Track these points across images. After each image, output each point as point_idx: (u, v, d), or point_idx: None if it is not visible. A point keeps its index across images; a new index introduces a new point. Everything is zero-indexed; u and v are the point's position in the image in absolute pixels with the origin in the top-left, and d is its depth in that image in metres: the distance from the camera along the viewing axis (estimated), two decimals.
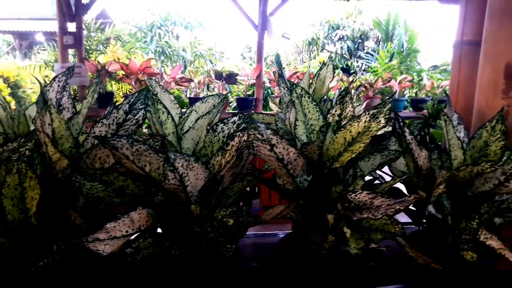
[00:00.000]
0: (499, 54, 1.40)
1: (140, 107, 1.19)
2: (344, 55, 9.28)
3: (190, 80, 5.77)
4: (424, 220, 1.39)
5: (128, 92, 5.69)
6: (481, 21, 1.53)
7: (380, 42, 7.91)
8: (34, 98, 6.15)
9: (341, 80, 6.17)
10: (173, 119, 1.20)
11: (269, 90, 6.43)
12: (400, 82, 5.92)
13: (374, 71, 7.13)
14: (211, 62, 7.02)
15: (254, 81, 5.75)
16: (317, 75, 1.96)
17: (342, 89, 1.84)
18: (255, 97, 5.82)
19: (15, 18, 9.75)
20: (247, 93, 6.28)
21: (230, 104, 6.47)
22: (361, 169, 1.28)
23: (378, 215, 0.95)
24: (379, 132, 1.70)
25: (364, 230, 1.12)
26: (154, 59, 7.28)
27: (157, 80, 5.73)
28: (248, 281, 1.18)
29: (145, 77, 5.57)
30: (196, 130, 1.24)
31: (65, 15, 5.31)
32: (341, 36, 9.32)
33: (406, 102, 6.09)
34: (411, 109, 6.12)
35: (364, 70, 7.93)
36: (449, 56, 5.92)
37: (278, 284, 1.18)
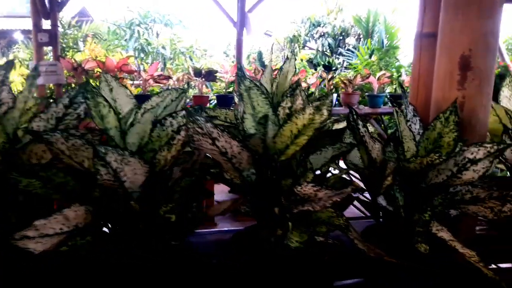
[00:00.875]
0: (454, 45, 1.39)
1: (82, 101, 1.15)
2: (326, 52, 9.29)
3: (169, 78, 5.70)
4: (381, 213, 1.37)
5: None
6: (439, 12, 1.52)
7: (361, 39, 7.93)
8: None
9: (321, 77, 6.17)
10: (115, 113, 1.17)
11: None
12: (379, 78, 5.93)
13: (354, 67, 7.15)
14: (191, 60, 6.97)
15: (234, 78, 5.72)
16: (280, 70, 1.94)
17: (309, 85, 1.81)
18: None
19: None
20: (228, 90, 6.25)
21: (211, 102, 6.42)
22: (312, 162, 1.26)
23: (317, 206, 0.93)
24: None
25: (310, 223, 1.09)
26: (133, 57, 7.20)
27: (135, 77, 5.67)
28: (194, 277, 1.15)
29: (123, 75, 5.50)
30: (142, 125, 1.20)
31: (40, 12, 5.21)
32: (322, 33, 9.33)
33: (385, 98, 6.10)
34: (391, 104, 6.14)
35: (345, 67, 7.95)
36: None
37: (225, 280, 1.15)
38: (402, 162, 1.22)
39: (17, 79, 6.24)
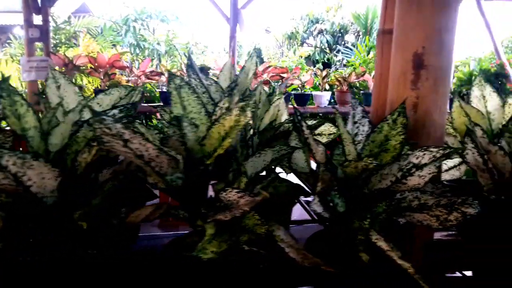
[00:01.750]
0: (407, 42, 1.31)
1: None
2: (325, 49, 9.17)
3: (161, 74, 5.66)
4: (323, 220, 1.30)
5: (99, 86, 5.57)
6: None
7: (360, 36, 7.82)
8: None
9: (315, 74, 6.08)
10: (34, 113, 1.11)
11: None
12: (373, 77, 5.83)
13: (352, 65, 7.05)
14: (186, 56, 6.85)
15: None
16: (243, 68, 1.88)
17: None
18: None
19: None
20: None
21: None
22: (252, 165, 1.20)
23: (228, 216, 0.86)
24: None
25: (235, 232, 1.03)
26: (129, 53, 7.15)
27: (126, 73, 5.63)
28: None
29: (115, 71, 5.45)
30: (67, 125, 1.14)
31: (31, 7, 5.18)
32: (320, 30, 9.20)
33: None
34: None
35: (344, 65, 7.84)
36: None
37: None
38: (339, 167, 1.15)
39: (14, 75, 6.24)
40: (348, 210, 1.18)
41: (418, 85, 1.30)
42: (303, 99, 5.68)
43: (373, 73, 5.97)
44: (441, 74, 1.30)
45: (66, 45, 5.70)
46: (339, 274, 1.13)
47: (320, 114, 6.05)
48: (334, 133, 1.74)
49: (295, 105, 5.67)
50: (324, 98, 5.76)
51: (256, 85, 1.75)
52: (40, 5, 5.25)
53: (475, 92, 1.78)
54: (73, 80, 5.65)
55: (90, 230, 1.01)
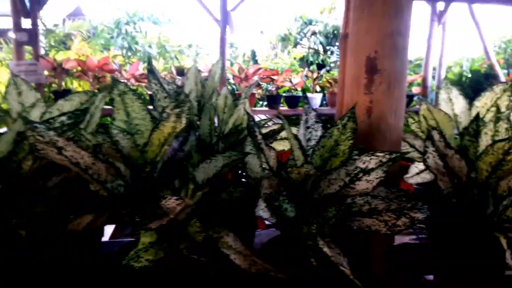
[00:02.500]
0: (360, 46, 1.31)
1: None
2: (318, 51, 9.14)
3: None
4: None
5: (89, 89, 5.57)
6: None
7: None
8: None
9: (306, 76, 6.07)
10: None
11: (234, 86, 6.32)
12: None
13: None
14: (177, 59, 6.90)
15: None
16: (210, 72, 1.88)
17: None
18: None
19: None
20: None
21: None
22: (203, 171, 1.19)
23: (157, 224, 0.85)
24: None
25: (175, 239, 1.02)
26: (121, 55, 7.16)
27: (116, 76, 5.62)
28: None
29: (104, 74, 5.45)
30: (13, 132, 1.13)
31: (19, 11, 5.18)
32: (313, 32, 9.18)
33: None
34: None
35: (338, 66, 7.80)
36: (423, 51, 5.74)
37: None
38: (284, 173, 1.15)
39: (4, 79, 6.24)
40: (298, 216, 1.18)
41: (371, 89, 1.30)
42: (294, 101, 5.68)
43: None
44: (395, 77, 1.29)
45: (56, 49, 5.70)
46: (289, 280, 1.13)
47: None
48: None
49: (286, 107, 5.67)
50: (315, 100, 5.76)
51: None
52: (29, 9, 5.25)
53: (442, 95, 1.78)
54: (63, 84, 5.65)
55: (32, 237, 1.00)
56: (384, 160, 1.13)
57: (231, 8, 5.55)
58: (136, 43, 7.02)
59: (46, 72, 5.29)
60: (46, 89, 5.68)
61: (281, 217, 1.14)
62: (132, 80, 5.55)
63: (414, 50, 7.73)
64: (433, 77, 6.03)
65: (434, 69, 5.94)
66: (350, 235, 1.26)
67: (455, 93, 1.75)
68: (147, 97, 5.89)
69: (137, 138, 1.11)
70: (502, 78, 5.41)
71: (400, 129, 1.36)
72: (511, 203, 1.34)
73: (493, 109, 1.73)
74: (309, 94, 5.80)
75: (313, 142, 1.30)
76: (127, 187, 1.07)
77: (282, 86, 5.72)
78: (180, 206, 0.95)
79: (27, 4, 5.24)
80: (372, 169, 1.13)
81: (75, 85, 6.06)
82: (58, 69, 5.23)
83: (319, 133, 1.30)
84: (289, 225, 1.18)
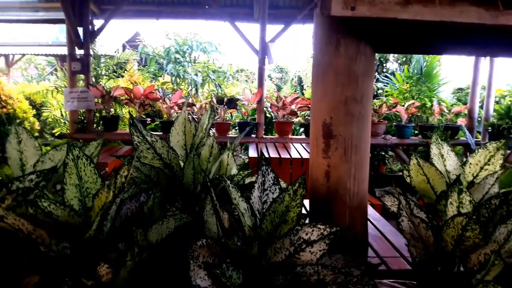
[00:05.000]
0: (318, 112, 1.30)
1: None
2: None
3: (192, 105, 5.86)
4: None
5: (135, 116, 5.85)
6: None
7: (400, 65, 7.62)
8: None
9: None
10: None
11: (272, 114, 6.37)
12: (407, 108, 5.66)
13: (389, 94, 6.88)
14: (219, 86, 7.08)
15: (255, 106, 5.73)
16: (199, 122, 1.93)
17: None
18: (256, 121, 5.79)
19: (56, 44, 10.38)
20: (252, 117, 6.27)
21: (236, 128, 6.46)
22: (155, 232, 1.24)
23: None
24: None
25: None
26: (170, 83, 7.47)
27: (160, 105, 5.86)
28: None
29: (149, 102, 5.70)
30: None
31: (74, 42, 5.59)
32: None
33: (413, 129, 5.80)
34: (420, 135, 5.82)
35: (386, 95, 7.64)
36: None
37: None
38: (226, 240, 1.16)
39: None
40: (245, 283, 1.18)
41: (328, 153, 1.29)
42: None
43: (406, 104, 5.80)
44: (351, 143, 1.27)
45: (107, 77, 6.06)
46: None
47: None
48: (284, 186, 1.73)
49: None
50: None
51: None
52: (82, 40, 5.66)
53: (434, 150, 1.71)
54: (112, 110, 5.98)
55: None
56: (325, 233, 1.11)
57: (269, 39, 5.64)
58: (185, 71, 7.30)
59: (95, 99, 5.65)
60: (97, 114, 6.03)
61: (225, 286, 1.15)
62: (176, 107, 5.78)
63: (465, 78, 7.41)
64: (481, 107, 5.74)
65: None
66: None
67: (446, 149, 1.67)
68: None
69: (87, 201, 1.17)
70: None
71: (362, 194, 1.33)
72: (483, 279, 1.26)
73: (486, 167, 1.65)
74: None
75: (268, 205, 1.30)
76: (73, 249, 1.13)
77: None
78: (108, 275, 0.99)
79: (81, 36, 5.65)
80: (315, 241, 1.12)
81: (124, 111, 6.39)
82: (107, 97, 5.56)
83: (276, 195, 1.30)
84: None
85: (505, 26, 1.12)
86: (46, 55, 11.08)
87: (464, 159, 1.68)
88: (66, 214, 1.06)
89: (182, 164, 1.70)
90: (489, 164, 1.63)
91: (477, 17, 1.11)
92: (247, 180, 1.76)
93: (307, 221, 1.43)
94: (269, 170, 1.35)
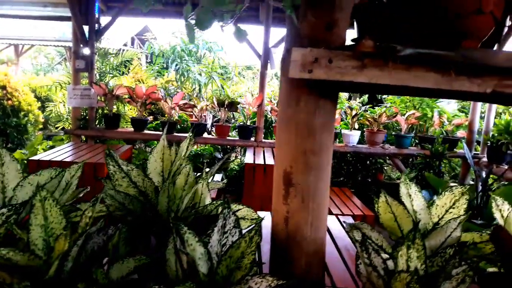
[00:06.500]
0: (279, 160, 1.35)
1: None
2: None
3: (194, 106, 5.92)
4: None
5: (136, 115, 5.93)
6: None
7: None
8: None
9: (345, 113, 6.02)
10: None
11: (272, 118, 6.40)
12: (407, 118, 5.67)
13: (392, 102, 6.87)
14: (223, 88, 7.13)
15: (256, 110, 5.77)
16: (179, 147, 1.97)
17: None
18: (256, 125, 5.83)
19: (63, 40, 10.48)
20: (252, 120, 6.31)
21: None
22: (116, 271, 1.29)
23: None
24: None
25: None
26: (174, 81, 7.53)
27: (162, 105, 5.93)
28: None
29: (151, 101, 5.74)
30: None
31: (78, 40, 5.67)
32: None
33: (412, 139, 5.80)
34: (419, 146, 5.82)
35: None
36: None
37: None
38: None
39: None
40: None
41: (288, 200, 1.33)
42: None
43: (407, 114, 5.80)
44: (309, 192, 1.32)
45: (110, 75, 6.12)
46: None
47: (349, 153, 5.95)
48: (256, 218, 1.78)
49: None
50: (352, 137, 5.70)
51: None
52: (87, 38, 5.73)
53: (402, 189, 1.74)
54: (114, 107, 6.05)
55: None
56: (272, 285, 1.16)
57: (272, 44, 5.66)
58: (189, 69, 7.35)
59: (98, 97, 5.73)
60: (99, 111, 6.12)
61: None
62: (177, 108, 5.85)
63: None
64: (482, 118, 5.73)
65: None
66: None
67: (413, 189, 1.71)
68: (190, 125, 6.15)
69: (51, 241, 1.24)
70: None
71: (319, 241, 1.37)
72: None
73: (451, 210, 1.68)
74: (346, 131, 5.76)
75: (226, 249, 1.35)
76: None
77: None
78: None
79: (86, 34, 5.72)
80: None
81: (126, 109, 6.47)
82: (109, 95, 5.64)
83: (235, 238, 1.35)
84: None
85: (459, 92, 1.16)
86: (55, 45, 11.20)
87: (435, 197, 1.72)
88: (26, 258, 1.13)
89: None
90: (453, 208, 1.66)
91: (433, 82, 1.14)
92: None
93: (268, 264, 1.48)
94: (230, 213, 1.40)
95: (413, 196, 1.72)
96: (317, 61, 1.13)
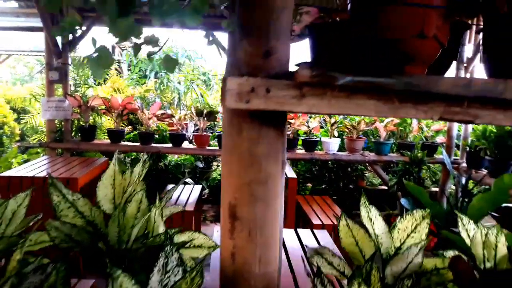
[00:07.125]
0: (225, 191, 1.27)
1: None
2: None
3: (172, 116, 5.82)
4: None
5: (113, 126, 5.80)
6: None
7: None
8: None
9: (324, 120, 5.97)
10: None
11: None
12: (385, 125, 5.63)
13: None
14: (202, 96, 7.04)
15: None
16: (132, 171, 1.89)
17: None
18: None
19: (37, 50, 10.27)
20: None
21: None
22: None
23: None
24: None
25: None
26: (153, 90, 7.42)
27: (139, 115, 5.83)
28: None
29: (127, 112, 5.64)
30: None
31: (51, 52, 5.53)
32: None
33: (392, 146, 5.77)
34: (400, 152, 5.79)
35: None
36: None
37: None
38: None
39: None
40: None
41: (234, 235, 1.26)
42: (311, 144, 5.60)
43: (385, 120, 5.77)
44: (256, 225, 1.24)
45: (86, 85, 6.01)
46: None
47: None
48: (213, 246, 1.71)
49: (304, 151, 5.61)
50: (332, 144, 5.66)
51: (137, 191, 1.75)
52: (60, 49, 5.60)
53: (363, 213, 1.68)
54: (91, 119, 5.94)
55: None
56: None
57: None
58: (168, 78, 7.25)
59: (73, 109, 5.60)
60: (75, 123, 5.99)
61: None
62: (154, 118, 5.74)
63: None
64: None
65: None
66: None
67: (374, 213, 1.65)
68: (168, 135, 6.05)
69: None
70: None
71: (269, 275, 1.30)
72: None
73: (413, 235, 1.62)
74: (326, 139, 5.71)
75: None
76: None
77: (297, 130, 5.66)
78: None
79: (60, 45, 5.59)
80: None
81: (103, 120, 6.34)
82: (83, 107, 5.51)
83: (178, 277, 1.27)
84: None
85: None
86: (34, 54, 10.99)
87: (397, 221, 1.65)
88: None
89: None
90: (415, 232, 1.60)
91: (375, 110, 1.07)
92: (181, 238, 1.72)
93: None
94: (173, 250, 1.32)
95: (373, 219, 1.66)
96: (254, 91, 1.06)
